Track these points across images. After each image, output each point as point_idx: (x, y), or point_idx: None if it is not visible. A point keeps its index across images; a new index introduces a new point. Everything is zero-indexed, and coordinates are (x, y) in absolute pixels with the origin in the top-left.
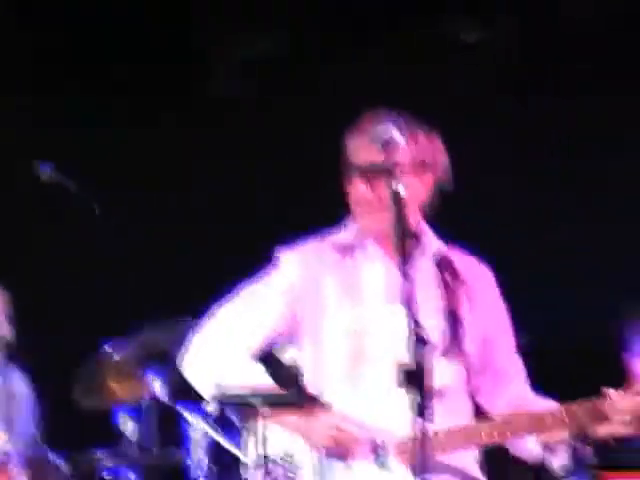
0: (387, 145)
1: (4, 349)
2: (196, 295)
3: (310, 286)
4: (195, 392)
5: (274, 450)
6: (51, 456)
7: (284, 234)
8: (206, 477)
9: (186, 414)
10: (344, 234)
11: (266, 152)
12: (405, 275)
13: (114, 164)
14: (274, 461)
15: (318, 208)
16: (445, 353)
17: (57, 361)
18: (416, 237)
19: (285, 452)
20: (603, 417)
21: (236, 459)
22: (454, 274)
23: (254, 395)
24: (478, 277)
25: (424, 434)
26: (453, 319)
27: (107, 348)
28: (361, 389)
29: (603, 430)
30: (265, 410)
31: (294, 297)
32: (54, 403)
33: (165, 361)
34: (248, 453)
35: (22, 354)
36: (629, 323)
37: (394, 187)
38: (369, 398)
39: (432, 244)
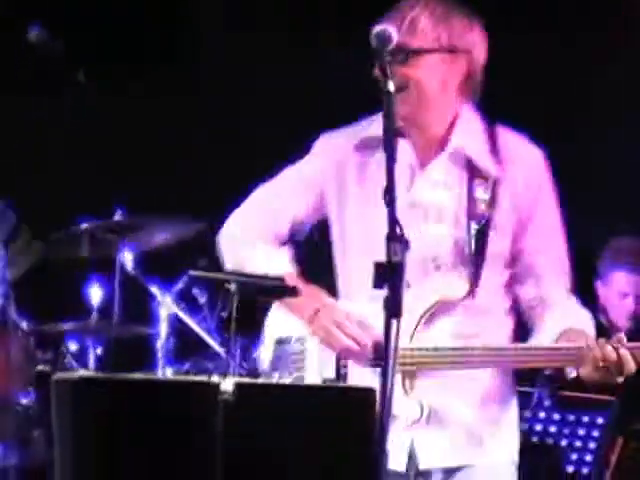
0: (406, 28)
1: None
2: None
3: (335, 177)
4: (165, 270)
5: (289, 331)
6: (18, 321)
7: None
8: (169, 352)
9: (155, 290)
10: (374, 127)
11: None
12: (389, 171)
13: None
14: (288, 341)
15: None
16: (455, 264)
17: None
18: (438, 133)
19: (298, 335)
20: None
21: (201, 339)
22: (479, 167)
23: (233, 274)
24: (522, 161)
25: (390, 333)
26: (472, 223)
27: (83, 223)
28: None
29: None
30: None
31: (320, 185)
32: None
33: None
34: (265, 333)
35: None
36: (599, 250)
37: (387, 85)
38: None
39: (462, 138)
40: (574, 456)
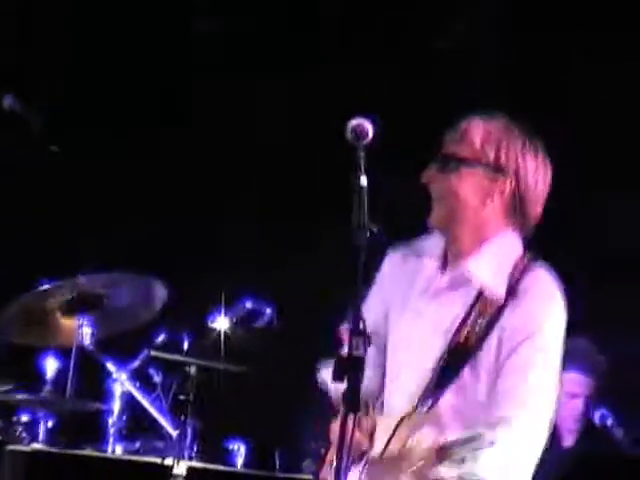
0: (458, 137)
1: None
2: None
3: (392, 289)
4: (121, 347)
5: None
6: None
7: None
8: (121, 429)
9: (110, 367)
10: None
11: None
12: (358, 266)
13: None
14: None
15: None
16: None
17: None
18: (467, 247)
19: None
20: None
21: (153, 418)
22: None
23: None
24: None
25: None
26: (456, 356)
27: (42, 286)
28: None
29: None
30: None
31: (384, 297)
32: None
33: (98, 310)
34: None
35: None
36: None
37: (358, 179)
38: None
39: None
40: None
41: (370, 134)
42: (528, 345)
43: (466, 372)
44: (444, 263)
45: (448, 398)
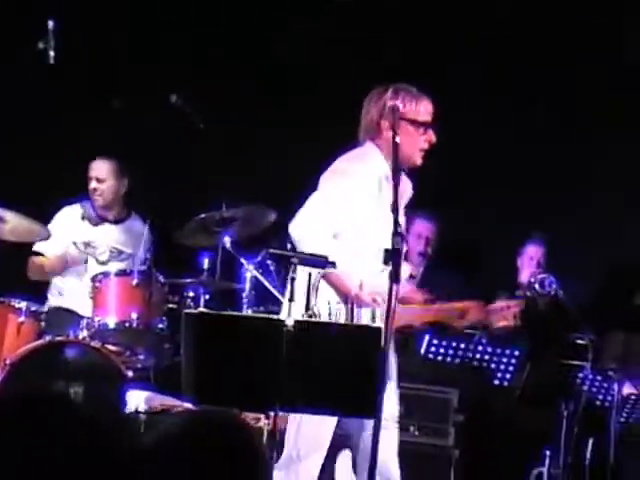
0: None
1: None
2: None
3: (361, 196)
4: (249, 248)
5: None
6: (155, 274)
7: None
8: (249, 301)
9: (242, 260)
10: (386, 165)
11: None
12: (395, 194)
13: None
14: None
15: None
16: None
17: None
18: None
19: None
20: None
21: (270, 292)
22: None
23: (295, 253)
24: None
25: (395, 293)
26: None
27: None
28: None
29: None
30: None
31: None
32: (162, 239)
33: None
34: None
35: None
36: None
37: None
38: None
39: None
40: (498, 374)
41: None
42: None
43: None
44: None
45: None
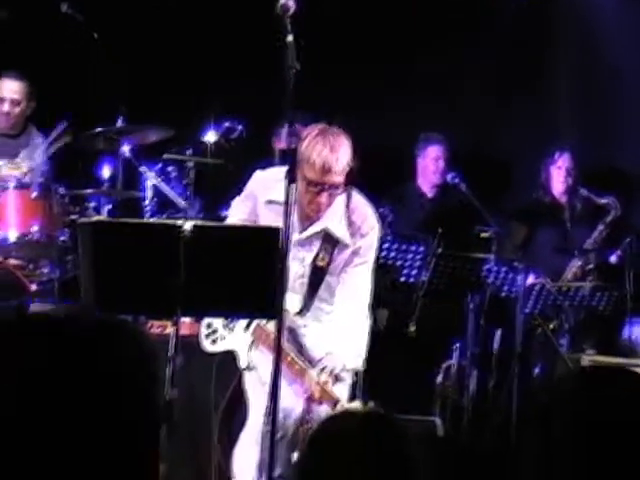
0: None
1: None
2: None
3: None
4: (148, 155)
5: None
6: (55, 186)
7: None
8: (152, 209)
9: (144, 168)
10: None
11: None
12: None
13: None
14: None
15: None
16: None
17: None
18: None
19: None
20: None
21: (171, 200)
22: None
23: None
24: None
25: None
26: None
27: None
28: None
29: None
30: None
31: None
32: (61, 150)
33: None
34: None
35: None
36: None
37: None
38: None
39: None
40: (404, 271)
41: (292, 8)
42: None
43: None
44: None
45: None
